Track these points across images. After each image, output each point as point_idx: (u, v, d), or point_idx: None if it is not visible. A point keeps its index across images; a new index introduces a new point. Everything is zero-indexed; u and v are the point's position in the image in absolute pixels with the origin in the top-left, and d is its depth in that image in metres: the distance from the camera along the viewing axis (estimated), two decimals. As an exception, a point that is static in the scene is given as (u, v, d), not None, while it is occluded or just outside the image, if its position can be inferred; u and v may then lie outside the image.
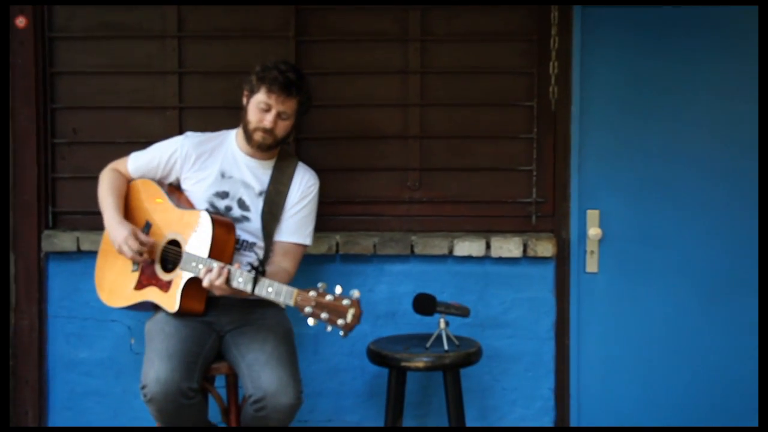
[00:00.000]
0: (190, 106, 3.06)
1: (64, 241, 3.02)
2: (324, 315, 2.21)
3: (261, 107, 2.52)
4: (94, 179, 2.74)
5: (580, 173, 3.04)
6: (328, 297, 2.22)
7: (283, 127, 2.56)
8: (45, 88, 3.04)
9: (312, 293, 2.23)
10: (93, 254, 2.95)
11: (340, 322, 2.20)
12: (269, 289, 2.30)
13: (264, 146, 2.57)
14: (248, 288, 2.31)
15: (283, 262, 2.56)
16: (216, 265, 2.36)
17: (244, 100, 2.58)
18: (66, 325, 3.06)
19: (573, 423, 3.07)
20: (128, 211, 2.63)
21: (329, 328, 2.24)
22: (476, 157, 3.07)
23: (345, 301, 2.21)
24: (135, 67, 3.06)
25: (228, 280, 2.34)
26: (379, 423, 2.93)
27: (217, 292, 2.38)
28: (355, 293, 2.22)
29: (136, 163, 2.68)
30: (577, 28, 3.00)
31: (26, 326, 3.05)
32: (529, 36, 3.04)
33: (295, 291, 2.26)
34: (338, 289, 2.23)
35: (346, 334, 2.22)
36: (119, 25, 3.05)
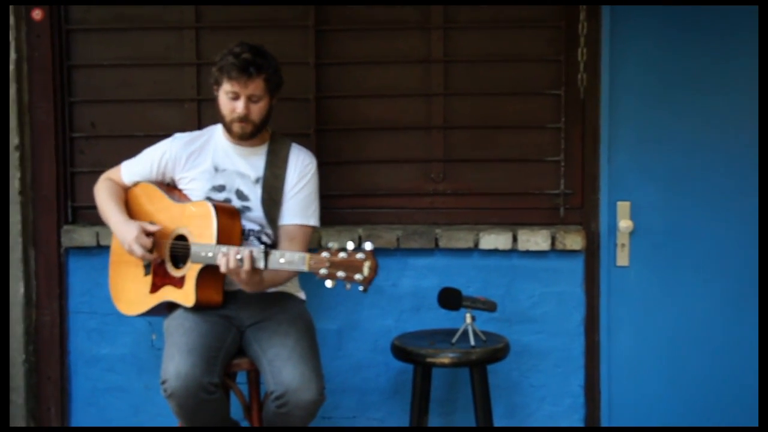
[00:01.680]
0: (209, 99, 2.98)
1: (83, 236, 2.99)
2: (340, 273, 2.17)
3: (229, 97, 2.47)
4: (113, 173, 2.71)
5: (610, 164, 2.94)
6: (342, 254, 2.18)
7: (258, 111, 2.48)
8: (62, 82, 3.01)
9: (324, 254, 2.19)
10: (113, 249, 2.93)
11: (357, 277, 2.16)
12: (281, 260, 2.26)
13: (246, 135, 2.51)
14: (260, 263, 2.27)
15: (292, 247, 2.50)
16: (231, 249, 2.32)
17: (215, 94, 2.53)
18: (87, 320, 3.04)
19: (604, 420, 2.99)
20: (131, 217, 2.60)
21: (348, 286, 2.19)
22: (502, 147, 2.99)
23: (359, 255, 2.16)
24: (153, 59, 3.01)
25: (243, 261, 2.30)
26: (405, 420, 2.87)
27: (236, 278, 2.34)
28: (368, 245, 2.17)
29: (128, 172, 2.66)
30: (606, 15, 2.90)
31: (47, 322, 3.03)
32: (556, 22, 2.94)
33: (307, 255, 2.23)
34: (350, 245, 2.19)
35: (366, 289, 2.17)
36: (136, 16, 3.01)
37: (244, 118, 2.48)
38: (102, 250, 2.98)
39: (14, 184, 2.96)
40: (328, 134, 3.00)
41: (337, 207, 2.99)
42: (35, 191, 3.00)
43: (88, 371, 3.04)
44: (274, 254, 2.27)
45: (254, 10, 2.98)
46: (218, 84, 2.50)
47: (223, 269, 2.32)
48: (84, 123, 3.04)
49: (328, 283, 2.19)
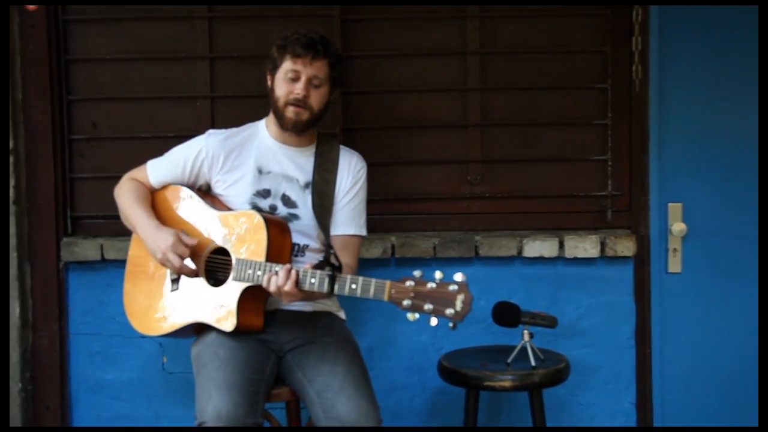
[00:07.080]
0: (223, 95, 2.77)
1: (86, 249, 2.72)
2: (428, 306, 1.92)
3: (289, 77, 2.26)
4: (117, 179, 2.44)
5: (660, 163, 2.75)
6: (430, 285, 1.93)
7: (317, 97, 2.27)
8: (60, 78, 2.74)
9: (409, 283, 1.94)
10: (119, 263, 2.66)
11: (449, 312, 1.91)
12: (353, 286, 1.99)
13: (300, 123, 2.27)
14: (325, 287, 2.01)
15: (343, 257, 2.25)
16: (280, 267, 2.05)
17: (269, 83, 2.33)
18: (90, 343, 2.77)
19: (657, 440, 2.78)
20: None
21: (434, 321, 1.94)
22: (544, 146, 2.78)
23: (452, 287, 1.92)
24: (161, 52, 2.76)
25: (298, 283, 2.04)
26: (444, 446, 2.63)
27: (286, 299, 2.08)
28: (459, 276, 1.93)
29: (156, 171, 2.37)
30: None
31: (45, 346, 2.75)
32: (601, 10, 2.74)
33: (388, 283, 1.96)
34: (438, 275, 1.94)
35: (455, 326, 1.93)
36: (142, 6, 2.74)
37: (301, 102, 2.24)
38: (106, 264, 2.73)
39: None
40: (356, 133, 2.75)
41: (366, 213, 2.74)
42: (30, 200, 2.73)
43: (92, 399, 2.78)
44: (344, 279, 2.01)
45: (274, -1, 2.74)
46: (276, 67, 2.28)
47: (272, 290, 2.05)
48: (84, 123, 2.78)
49: (410, 316, 1.94)
